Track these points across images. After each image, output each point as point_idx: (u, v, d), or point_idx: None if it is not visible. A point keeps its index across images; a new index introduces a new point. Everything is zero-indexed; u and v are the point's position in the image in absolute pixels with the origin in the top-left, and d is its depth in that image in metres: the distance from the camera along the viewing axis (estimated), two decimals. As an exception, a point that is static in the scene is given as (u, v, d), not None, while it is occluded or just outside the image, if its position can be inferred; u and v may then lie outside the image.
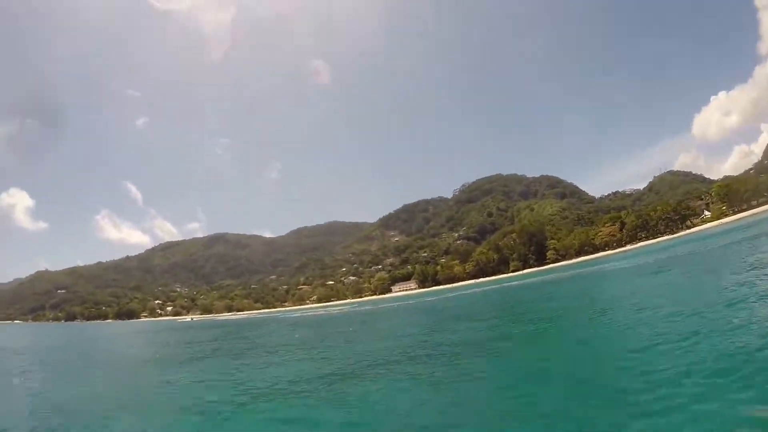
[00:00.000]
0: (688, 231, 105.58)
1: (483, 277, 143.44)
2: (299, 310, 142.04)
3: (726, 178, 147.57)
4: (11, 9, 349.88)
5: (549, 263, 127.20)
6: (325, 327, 39.55)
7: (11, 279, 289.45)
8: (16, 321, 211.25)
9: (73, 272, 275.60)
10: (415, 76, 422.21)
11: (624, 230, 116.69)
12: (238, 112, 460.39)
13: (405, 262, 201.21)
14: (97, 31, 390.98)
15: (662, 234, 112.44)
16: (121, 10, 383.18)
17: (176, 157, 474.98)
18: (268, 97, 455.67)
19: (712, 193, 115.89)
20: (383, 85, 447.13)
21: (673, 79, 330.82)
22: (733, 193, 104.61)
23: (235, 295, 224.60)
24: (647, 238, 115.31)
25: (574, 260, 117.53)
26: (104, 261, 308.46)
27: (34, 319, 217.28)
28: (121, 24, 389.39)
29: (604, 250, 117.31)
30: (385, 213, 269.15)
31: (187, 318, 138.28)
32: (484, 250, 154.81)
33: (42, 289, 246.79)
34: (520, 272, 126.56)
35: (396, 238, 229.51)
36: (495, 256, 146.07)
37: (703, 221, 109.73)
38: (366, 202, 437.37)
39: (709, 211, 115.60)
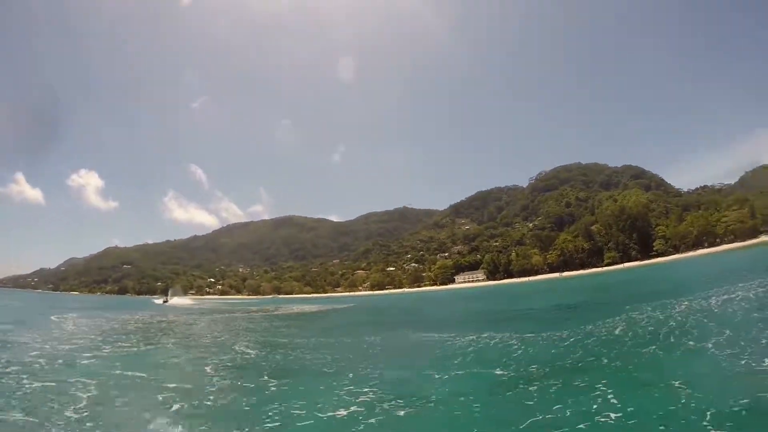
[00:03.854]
0: None
1: (567, 270, 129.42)
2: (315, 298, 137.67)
3: None
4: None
5: (655, 256, 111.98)
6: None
7: (86, 254, 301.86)
8: (73, 292, 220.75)
9: (141, 249, 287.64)
10: (490, 60, 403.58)
11: (756, 216, 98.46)
12: (302, 93, 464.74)
13: (474, 250, 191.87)
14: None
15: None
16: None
17: (237, 138, 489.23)
18: (334, 79, 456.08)
19: None
20: (456, 68, 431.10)
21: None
22: None
23: (289, 276, 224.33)
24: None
25: (690, 253, 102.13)
26: (173, 240, 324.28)
27: (90, 291, 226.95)
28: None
29: (728, 241, 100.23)
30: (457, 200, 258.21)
31: (158, 300, 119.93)
32: (570, 237, 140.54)
33: (109, 264, 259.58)
34: (621, 266, 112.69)
35: (467, 226, 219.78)
36: (585, 245, 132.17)
37: None
38: (439, 189, 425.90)
39: None
